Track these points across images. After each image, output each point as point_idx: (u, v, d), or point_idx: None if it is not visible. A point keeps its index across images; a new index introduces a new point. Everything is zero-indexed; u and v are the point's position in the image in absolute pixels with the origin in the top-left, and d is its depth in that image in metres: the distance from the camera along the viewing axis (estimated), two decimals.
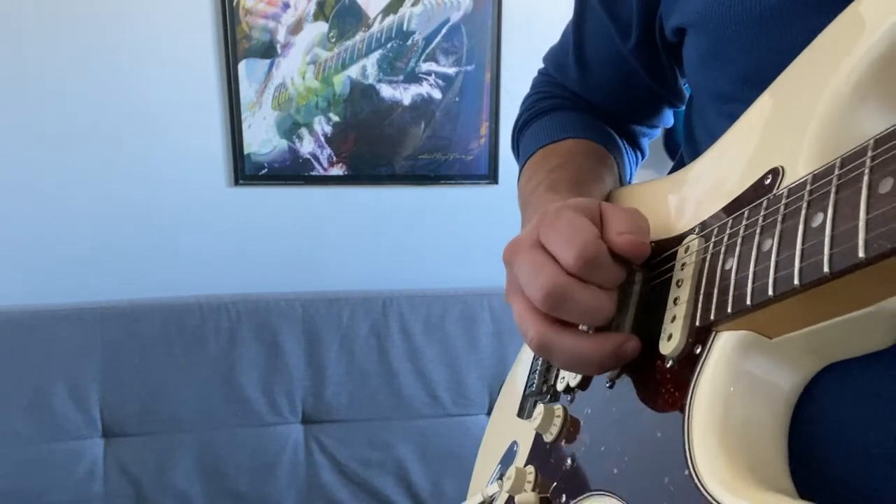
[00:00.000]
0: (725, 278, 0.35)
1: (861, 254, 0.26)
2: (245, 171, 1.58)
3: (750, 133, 0.40)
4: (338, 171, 1.63)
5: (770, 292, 0.30)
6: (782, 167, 0.35)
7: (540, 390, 0.57)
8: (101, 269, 1.56)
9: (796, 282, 0.29)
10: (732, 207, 0.38)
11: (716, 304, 0.35)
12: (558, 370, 0.53)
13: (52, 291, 1.49)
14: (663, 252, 0.44)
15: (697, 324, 0.37)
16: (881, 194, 0.26)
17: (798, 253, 0.29)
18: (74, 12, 1.43)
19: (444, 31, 1.58)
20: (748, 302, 0.32)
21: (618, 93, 0.64)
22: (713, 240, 0.38)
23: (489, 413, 1.56)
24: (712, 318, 0.35)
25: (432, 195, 1.67)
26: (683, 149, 0.58)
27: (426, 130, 1.63)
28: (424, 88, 1.61)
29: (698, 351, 0.36)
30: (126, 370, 1.43)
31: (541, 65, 0.72)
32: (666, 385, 0.38)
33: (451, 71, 1.60)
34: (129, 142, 1.52)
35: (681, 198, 0.47)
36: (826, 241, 0.28)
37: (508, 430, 0.60)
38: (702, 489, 0.31)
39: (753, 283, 0.32)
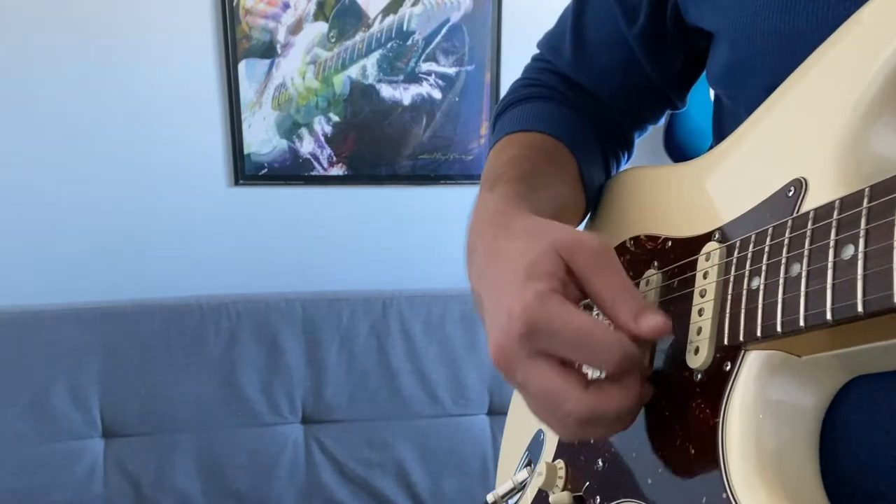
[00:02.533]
0: (752, 300, 0.35)
1: None
2: (245, 171, 1.58)
3: (770, 134, 0.40)
4: (338, 171, 1.63)
5: (801, 324, 0.31)
6: (805, 179, 0.35)
7: None
8: (101, 269, 1.56)
9: (829, 317, 0.29)
10: (755, 217, 0.38)
11: (744, 326, 0.35)
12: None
13: (52, 291, 1.49)
14: (683, 254, 0.44)
15: (726, 342, 0.37)
16: None
17: (830, 288, 0.29)
18: (74, 12, 1.43)
19: (444, 31, 1.58)
20: (778, 330, 0.32)
21: (612, 79, 0.60)
22: (736, 255, 0.38)
23: (489, 413, 1.56)
24: (741, 339, 0.35)
25: (432, 195, 1.67)
26: (714, 144, 0.56)
27: (426, 130, 1.63)
28: (424, 88, 1.61)
29: (727, 368, 0.36)
30: (126, 370, 1.43)
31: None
32: (696, 399, 0.38)
33: (452, 71, 1.60)
34: (129, 142, 1.52)
35: (698, 193, 0.46)
36: (859, 281, 0.28)
37: (532, 422, 0.60)
38: None
39: (783, 313, 0.32)
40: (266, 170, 1.59)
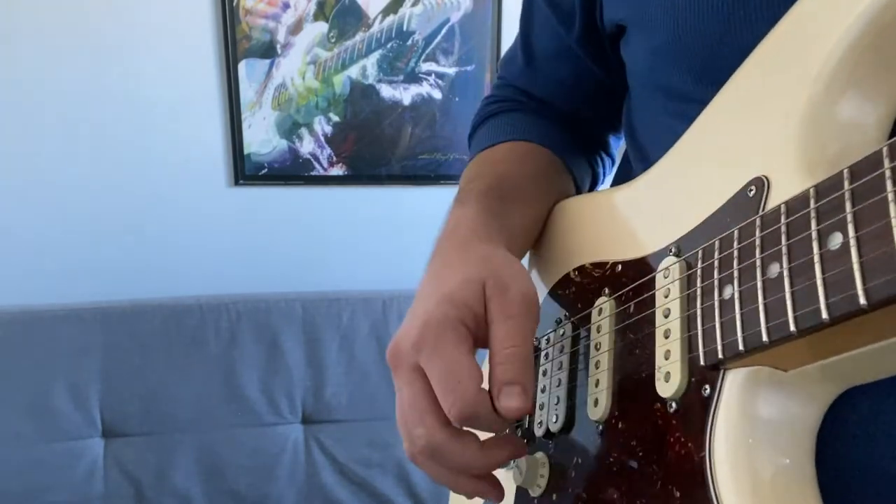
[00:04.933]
0: (728, 311, 0.31)
1: None
2: (245, 171, 1.58)
3: (717, 136, 0.37)
4: (338, 171, 1.63)
5: (792, 328, 0.27)
6: (766, 176, 0.32)
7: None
8: (101, 269, 1.56)
9: (825, 316, 0.26)
10: (714, 225, 0.35)
11: (721, 341, 0.31)
12: (533, 412, 0.49)
13: (52, 291, 1.49)
14: (636, 276, 0.40)
15: (702, 363, 0.33)
16: None
17: (820, 283, 0.26)
18: (74, 12, 1.43)
19: (443, 31, 1.58)
20: (764, 339, 0.29)
21: (570, 88, 0.59)
22: (700, 265, 0.34)
23: None
24: (720, 356, 0.31)
25: (432, 195, 1.67)
26: (628, 151, 0.55)
27: (426, 130, 1.63)
28: (424, 88, 1.61)
29: (706, 393, 0.32)
30: (126, 370, 1.43)
31: None
32: (673, 433, 0.34)
33: (451, 71, 1.60)
34: (129, 142, 1.52)
35: (644, 210, 0.42)
36: (856, 269, 0.24)
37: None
38: None
39: (768, 319, 0.29)
40: (266, 170, 1.59)
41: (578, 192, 0.59)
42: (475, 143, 0.64)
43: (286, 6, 1.51)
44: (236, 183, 1.58)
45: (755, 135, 0.34)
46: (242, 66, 1.52)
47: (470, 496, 0.40)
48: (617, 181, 0.59)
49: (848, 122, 0.30)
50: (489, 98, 0.67)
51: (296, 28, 1.53)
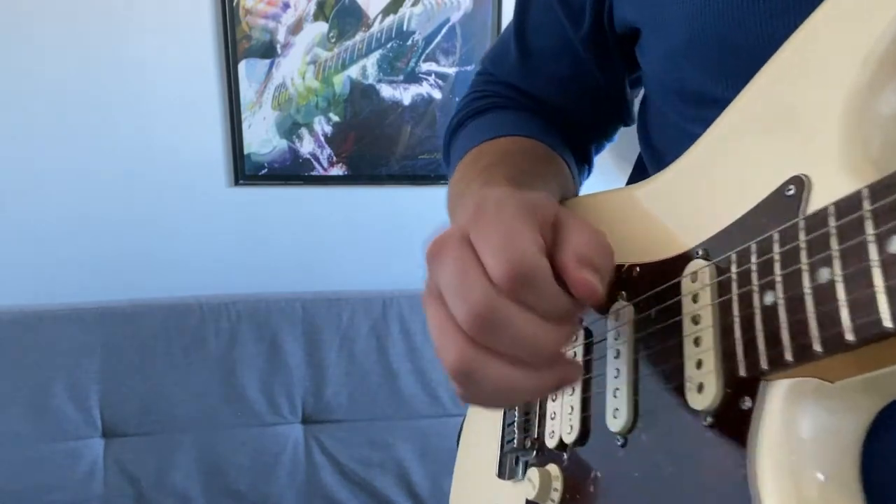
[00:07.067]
0: (771, 319, 0.29)
1: None
2: (245, 171, 1.58)
3: (746, 133, 0.35)
4: (338, 171, 1.63)
5: (850, 338, 0.25)
6: (806, 176, 0.30)
7: (523, 446, 0.48)
8: (101, 269, 1.56)
9: (889, 325, 0.24)
10: (748, 226, 0.32)
11: (766, 351, 0.29)
12: (543, 422, 0.46)
13: (52, 291, 1.49)
14: (658, 280, 0.38)
15: (742, 374, 0.30)
16: None
17: (883, 291, 0.24)
18: (73, 12, 1.43)
19: (443, 31, 1.58)
20: (818, 349, 0.26)
21: (566, 86, 0.57)
22: (735, 270, 0.32)
23: None
24: (763, 367, 0.29)
25: (432, 195, 1.67)
26: (643, 155, 0.53)
27: (426, 130, 1.63)
28: (424, 88, 1.61)
29: (746, 405, 0.30)
30: (126, 370, 1.43)
31: None
32: (709, 447, 0.32)
33: (451, 71, 1.60)
34: (129, 142, 1.52)
35: (663, 210, 0.40)
36: None
37: (487, 490, 0.53)
38: None
39: (822, 328, 0.26)
40: (266, 170, 1.59)
41: (575, 184, 0.58)
42: (468, 135, 0.59)
43: (286, 6, 1.51)
44: (236, 183, 1.58)
45: (791, 130, 0.31)
46: (242, 66, 1.52)
47: (545, 388, 0.34)
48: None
49: (891, 116, 0.28)
50: (475, 93, 0.62)
51: (296, 28, 1.53)
